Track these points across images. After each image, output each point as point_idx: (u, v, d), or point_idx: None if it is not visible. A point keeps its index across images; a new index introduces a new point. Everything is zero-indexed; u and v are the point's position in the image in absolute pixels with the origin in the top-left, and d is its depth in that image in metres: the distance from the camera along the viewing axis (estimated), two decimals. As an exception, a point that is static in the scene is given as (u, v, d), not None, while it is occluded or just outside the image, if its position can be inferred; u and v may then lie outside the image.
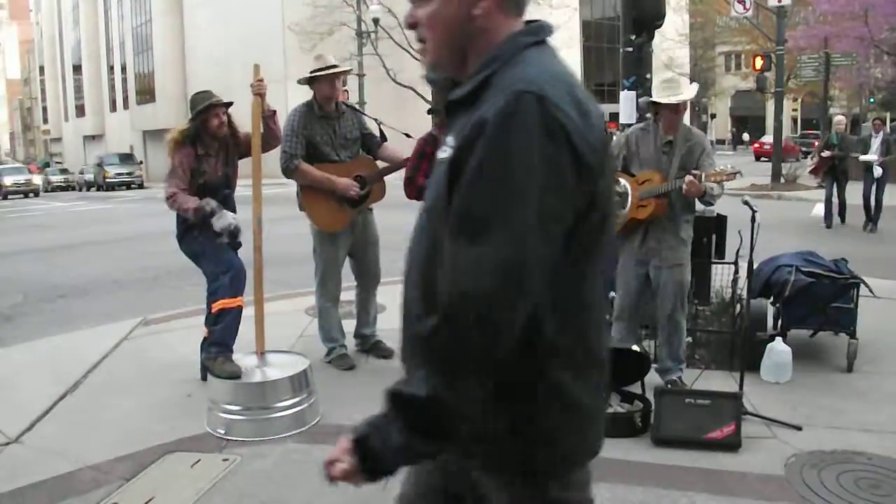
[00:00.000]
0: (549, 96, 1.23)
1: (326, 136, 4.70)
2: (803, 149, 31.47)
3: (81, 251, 11.51)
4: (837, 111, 27.39)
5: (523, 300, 1.20)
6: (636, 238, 4.18)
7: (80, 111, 60.95)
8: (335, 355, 4.84)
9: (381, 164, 4.93)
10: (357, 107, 4.92)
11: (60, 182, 39.48)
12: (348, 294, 5.22)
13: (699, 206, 4.38)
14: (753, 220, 3.84)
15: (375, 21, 29.20)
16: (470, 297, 1.19)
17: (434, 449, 1.29)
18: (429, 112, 4.95)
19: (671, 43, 36.79)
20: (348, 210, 4.72)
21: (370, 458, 1.28)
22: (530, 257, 1.20)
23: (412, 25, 1.42)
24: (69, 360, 5.10)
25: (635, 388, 3.90)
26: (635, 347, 3.89)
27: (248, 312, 4.21)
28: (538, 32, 1.38)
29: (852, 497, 3.06)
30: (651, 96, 4.21)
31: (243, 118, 4.38)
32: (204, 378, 4.35)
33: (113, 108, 54.09)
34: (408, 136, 4.57)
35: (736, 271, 5.26)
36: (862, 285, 4.66)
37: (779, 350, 4.44)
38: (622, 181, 4.20)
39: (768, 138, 27.77)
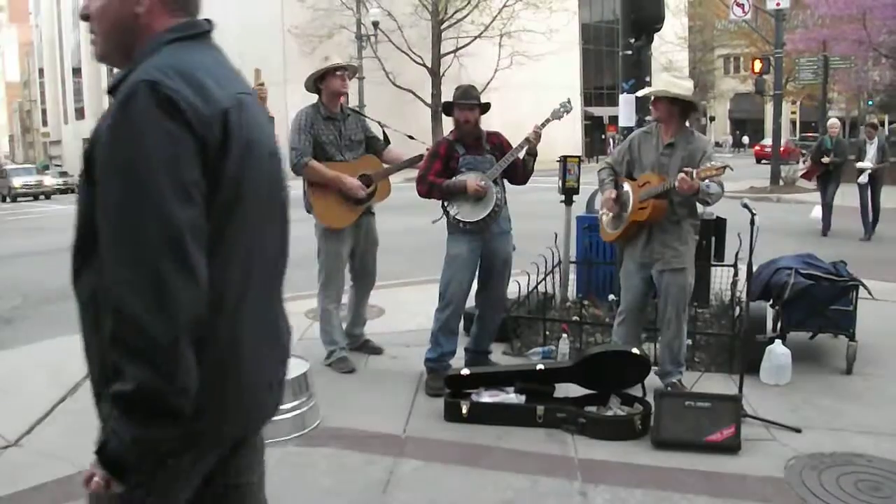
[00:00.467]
0: (161, 82, 1.30)
1: (332, 136, 4.77)
2: (804, 151, 31.50)
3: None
4: (836, 114, 27.40)
5: (171, 320, 1.26)
6: (639, 241, 4.19)
7: (80, 114, 60.92)
8: (335, 358, 4.85)
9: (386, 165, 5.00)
10: (360, 111, 4.96)
11: (60, 185, 39.39)
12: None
13: (699, 208, 4.39)
14: (753, 222, 3.84)
15: (375, 24, 29.27)
16: (123, 316, 1.26)
17: (166, 432, 1.31)
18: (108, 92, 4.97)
19: (670, 46, 36.85)
20: (354, 207, 4.77)
21: (114, 461, 1.31)
22: (166, 268, 1.26)
23: (85, 17, 1.49)
24: (69, 362, 5.08)
25: (635, 391, 3.91)
26: (635, 350, 3.89)
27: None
28: (185, 29, 1.46)
29: (852, 499, 3.06)
30: (651, 96, 4.23)
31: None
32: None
33: (112, 110, 54.09)
34: (411, 137, 4.60)
35: (735, 274, 5.28)
36: (861, 287, 4.67)
37: (778, 352, 4.44)
38: (625, 185, 4.22)
39: (769, 141, 27.81)
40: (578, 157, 6.15)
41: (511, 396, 4.02)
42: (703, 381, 4.15)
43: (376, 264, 5.09)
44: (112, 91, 1.41)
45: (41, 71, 75.81)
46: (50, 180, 35.22)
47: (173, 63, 1.36)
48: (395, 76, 29.96)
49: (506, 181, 4.53)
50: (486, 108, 4.50)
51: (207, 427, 1.42)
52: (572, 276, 6.12)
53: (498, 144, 4.53)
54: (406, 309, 6.26)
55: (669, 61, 37.20)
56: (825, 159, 10.69)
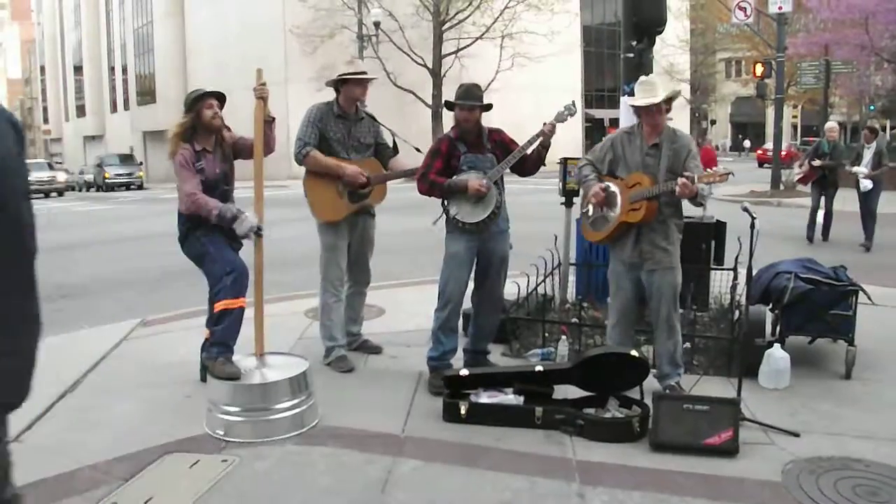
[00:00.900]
0: None
1: (340, 134, 4.82)
2: (799, 152, 31.51)
3: (81, 252, 11.51)
4: (837, 118, 27.41)
5: None
6: (627, 242, 4.19)
7: (81, 111, 60.96)
8: (334, 357, 4.86)
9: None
10: (376, 117, 5.00)
11: (72, 182, 39.01)
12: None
13: (698, 211, 4.39)
14: (753, 226, 3.85)
15: (376, 24, 29.28)
16: None
17: None
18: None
19: (672, 49, 36.90)
20: (347, 203, 4.82)
21: None
22: None
23: None
24: (69, 360, 5.10)
25: (634, 393, 3.92)
26: (634, 352, 3.90)
27: (248, 314, 4.22)
28: None
29: (849, 504, 3.07)
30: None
31: (244, 120, 4.41)
32: (203, 379, 4.36)
33: (114, 108, 54.12)
34: (418, 150, 4.64)
35: (735, 278, 5.29)
36: (860, 292, 4.67)
37: (777, 356, 4.44)
38: (611, 185, 4.21)
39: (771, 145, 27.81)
40: (579, 159, 6.15)
41: (510, 397, 4.02)
42: (702, 385, 4.16)
43: (369, 263, 5.13)
44: None
45: (43, 68, 75.87)
46: (63, 176, 33.80)
47: None
48: (395, 77, 29.96)
49: (505, 182, 4.53)
50: (488, 107, 4.50)
51: None
52: (572, 278, 6.12)
53: (499, 142, 4.51)
54: (405, 309, 6.27)
55: (671, 64, 37.26)
56: (816, 162, 10.46)
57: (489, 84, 28.40)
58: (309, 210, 4.88)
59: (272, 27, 33.97)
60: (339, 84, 4.82)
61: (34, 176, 30.41)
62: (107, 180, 33.96)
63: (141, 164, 37.79)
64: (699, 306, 5.24)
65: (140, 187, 34.24)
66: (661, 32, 5.70)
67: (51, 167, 34.29)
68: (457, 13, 31.36)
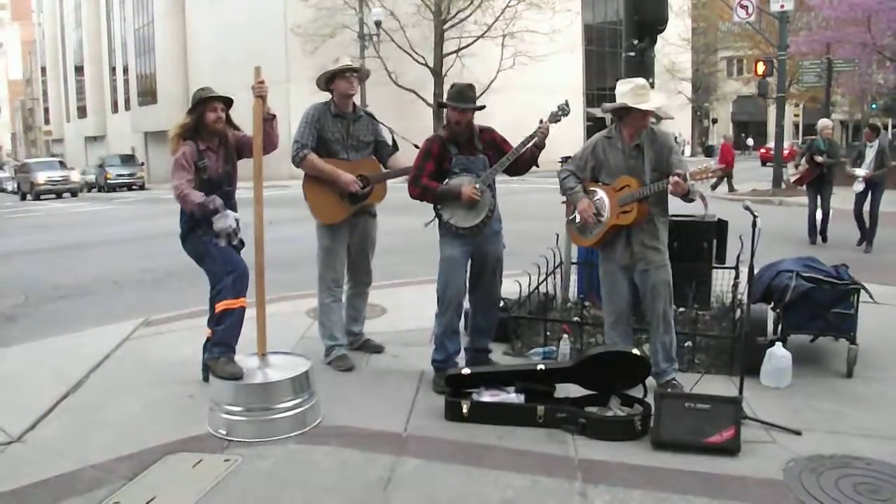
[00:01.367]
0: None
1: (338, 134, 4.81)
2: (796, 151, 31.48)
3: (83, 252, 11.53)
4: (839, 117, 27.37)
5: None
6: (619, 244, 4.20)
7: (82, 112, 61.01)
8: (334, 356, 4.86)
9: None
10: (375, 115, 5.00)
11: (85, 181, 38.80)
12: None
13: (699, 209, 4.39)
14: (754, 225, 3.85)
15: (377, 24, 29.29)
16: None
17: None
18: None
19: (673, 48, 36.88)
20: (347, 205, 4.81)
21: None
22: None
23: None
24: (71, 360, 5.11)
25: (635, 392, 3.92)
26: (636, 351, 3.90)
27: (250, 314, 4.22)
28: None
29: (851, 502, 3.06)
30: (615, 101, 4.19)
31: (244, 120, 4.41)
32: (205, 379, 4.36)
33: (115, 109, 54.16)
34: (417, 147, 4.64)
35: (736, 276, 5.29)
36: (862, 291, 4.67)
37: (779, 355, 4.44)
38: (598, 191, 4.21)
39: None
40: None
41: (511, 396, 4.03)
42: (704, 383, 4.15)
43: (370, 263, 5.12)
44: None
45: (43, 69, 75.86)
46: (77, 175, 32.57)
47: None
48: (397, 76, 29.98)
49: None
50: (480, 108, 4.43)
51: None
52: (573, 277, 6.12)
53: (490, 141, 4.46)
54: (407, 308, 6.28)
55: (672, 63, 37.26)
56: (819, 158, 10.25)
57: (490, 83, 28.46)
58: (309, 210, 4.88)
59: (273, 26, 33.97)
60: (329, 83, 4.83)
61: (46, 176, 29.75)
62: (109, 181, 33.98)
63: (142, 164, 37.83)
64: (701, 305, 5.24)
65: (141, 188, 34.28)
66: (662, 31, 5.70)
67: (63, 165, 33.16)
68: (458, 12, 31.37)
